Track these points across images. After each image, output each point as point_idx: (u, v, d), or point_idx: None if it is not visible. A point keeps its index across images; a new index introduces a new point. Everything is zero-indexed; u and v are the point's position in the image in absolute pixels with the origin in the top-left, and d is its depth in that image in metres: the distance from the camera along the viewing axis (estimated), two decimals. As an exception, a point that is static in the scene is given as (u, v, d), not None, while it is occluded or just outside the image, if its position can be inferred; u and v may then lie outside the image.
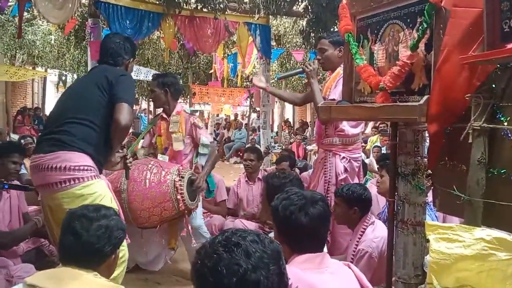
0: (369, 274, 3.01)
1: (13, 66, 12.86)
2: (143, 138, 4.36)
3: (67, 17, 5.70)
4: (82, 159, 2.66)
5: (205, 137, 3.99)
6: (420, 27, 2.03)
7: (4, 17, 9.44)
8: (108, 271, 1.90)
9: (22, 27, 11.75)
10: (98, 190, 2.68)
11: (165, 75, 4.19)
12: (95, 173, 2.71)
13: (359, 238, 3.16)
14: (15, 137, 7.94)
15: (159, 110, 4.30)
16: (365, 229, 3.16)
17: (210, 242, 1.19)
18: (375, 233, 3.10)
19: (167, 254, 4.18)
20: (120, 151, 3.18)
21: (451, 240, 1.53)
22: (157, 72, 6.83)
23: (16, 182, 3.76)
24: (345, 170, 3.57)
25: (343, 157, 3.58)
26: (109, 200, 2.72)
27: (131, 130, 10.12)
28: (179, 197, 3.49)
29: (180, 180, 3.52)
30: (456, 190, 1.91)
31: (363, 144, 9.97)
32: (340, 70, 3.47)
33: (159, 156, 3.96)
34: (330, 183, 3.58)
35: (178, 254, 4.42)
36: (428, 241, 1.70)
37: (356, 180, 3.66)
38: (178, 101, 4.19)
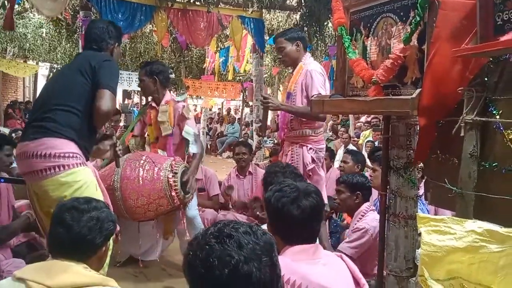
0: (361, 249, 3.16)
1: (3, 59, 12.75)
2: (133, 129, 4.29)
3: (61, 9, 5.63)
4: (66, 146, 2.62)
5: (189, 126, 3.86)
6: (413, 20, 2.04)
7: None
8: (98, 263, 1.89)
9: (13, 20, 11.70)
10: (83, 178, 2.65)
11: (153, 63, 4.09)
12: (81, 160, 2.68)
13: (358, 221, 3.30)
14: (5, 130, 7.86)
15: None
16: (365, 213, 3.32)
17: (203, 233, 1.18)
18: (375, 216, 3.18)
19: (161, 244, 4.16)
20: (109, 138, 3.13)
21: (443, 232, 1.54)
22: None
23: (5, 175, 3.74)
24: (313, 160, 3.62)
25: (310, 148, 3.63)
26: (94, 188, 2.69)
27: (122, 124, 10.04)
28: (173, 193, 3.46)
29: (173, 176, 3.48)
30: (448, 183, 1.92)
31: (355, 138, 10.04)
32: (301, 64, 3.66)
33: (159, 151, 3.92)
34: None
35: (170, 247, 4.42)
36: (419, 234, 1.71)
37: (322, 171, 3.73)
38: (168, 89, 4.07)
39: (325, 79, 3.60)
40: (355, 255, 3.14)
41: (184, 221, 3.84)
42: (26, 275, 1.67)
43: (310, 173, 3.60)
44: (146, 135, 4.12)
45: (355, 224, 3.31)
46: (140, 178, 3.46)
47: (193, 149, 3.83)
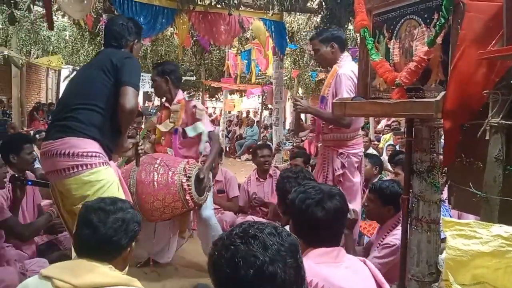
0: (390, 265, 2.99)
1: (28, 61, 12.99)
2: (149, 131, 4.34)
3: (88, 10, 5.69)
4: (90, 145, 2.65)
5: (202, 123, 3.86)
6: (438, 23, 2.01)
7: (20, 12, 9.51)
8: (123, 264, 1.91)
9: (38, 23, 11.92)
10: (106, 177, 2.67)
11: (164, 63, 4.13)
12: (104, 160, 2.70)
13: (388, 232, 3.15)
14: (30, 132, 8.02)
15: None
16: (396, 225, 3.13)
17: (228, 233, 1.19)
18: None
19: (176, 244, 4.19)
20: (132, 138, 3.17)
21: (468, 236, 1.51)
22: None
23: (31, 175, 3.83)
24: (343, 165, 3.53)
25: (341, 153, 3.54)
26: (116, 187, 2.71)
27: (143, 126, 10.13)
28: (188, 197, 3.50)
29: (187, 180, 3.50)
30: (473, 188, 1.90)
31: (375, 142, 9.97)
32: (336, 67, 3.54)
33: (168, 150, 3.93)
34: (327, 178, 3.56)
35: (185, 249, 4.45)
36: (443, 239, 1.69)
37: (357, 176, 3.62)
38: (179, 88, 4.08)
39: (356, 83, 3.52)
40: (383, 270, 3.03)
41: (196, 221, 3.86)
42: (53, 274, 1.70)
43: (340, 179, 3.51)
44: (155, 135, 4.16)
45: (384, 237, 3.17)
46: (155, 183, 3.50)
47: (201, 148, 3.87)
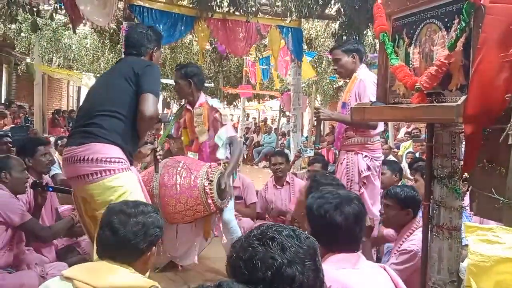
0: (408, 272, 2.93)
1: (50, 67, 13.19)
2: (170, 131, 4.34)
3: (111, 15, 5.76)
4: (112, 151, 2.68)
5: (223, 130, 3.85)
6: (459, 26, 1.99)
7: (42, 21, 9.69)
8: (144, 267, 1.92)
9: (59, 31, 12.13)
10: (128, 183, 2.70)
11: (187, 65, 4.10)
12: (126, 165, 2.72)
13: (406, 238, 3.11)
14: (51, 138, 8.13)
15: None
16: (414, 230, 3.10)
17: (246, 235, 1.19)
18: None
19: (198, 247, 4.18)
20: (150, 144, 3.19)
21: (491, 241, 1.48)
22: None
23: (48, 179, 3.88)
24: (368, 168, 3.60)
25: (365, 156, 3.63)
26: (138, 193, 2.72)
27: (162, 132, 10.23)
28: (209, 201, 3.50)
29: (209, 184, 3.51)
30: (495, 194, 1.86)
31: (395, 150, 9.87)
32: (355, 75, 3.69)
33: (189, 154, 3.95)
34: (353, 181, 3.60)
35: (209, 252, 4.45)
36: (464, 246, 1.65)
37: (377, 180, 3.69)
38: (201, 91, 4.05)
39: None
40: (402, 276, 2.97)
41: (220, 225, 3.87)
42: (74, 275, 1.72)
43: (365, 181, 3.59)
44: (181, 138, 4.14)
45: (402, 243, 3.12)
46: (178, 185, 3.51)
47: (220, 154, 3.85)
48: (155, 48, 3.14)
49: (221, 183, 3.62)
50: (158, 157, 3.08)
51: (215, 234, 4.08)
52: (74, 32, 5.76)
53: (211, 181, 3.54)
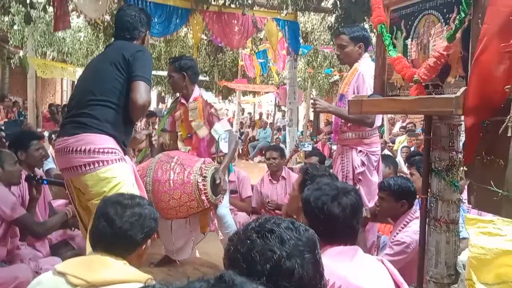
0: (402, 263, 2.93)
1: (44, 59, 13.06)
2: (165, 124, 4.30)
3: (104, 9, 5.69)
4: (105, 142, 2.64)
5: (219, 125, 3.80)
6: (458, 17, 1.97)
7: (35, 13, 9.59)
8: (138, 261, 1.89)
9: (53, 24, 12.04)
10: (121, 174, 2.66)
11: (181, 58, 4.00)
12: (119, 156, 2.69)
13: (400, 230, 3.11)
14: (45, 133, 8.06)
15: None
16: (408, 222, 3.10)
17: (244, 228, 1.16)
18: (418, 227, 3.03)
19: (194, 240, 4.17)
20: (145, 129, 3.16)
21: (492, 234, 1.47)
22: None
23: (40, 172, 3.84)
24: (362, 163, 3.51)
25: (360, 151, 3.52)
26: (130, 184, 2.69)
27: (157, 127, 10.19)
28: (203, 197, 3.47)
29: (203, 180, 3.47)
30: (494, 186, 1.84)
31: (390, 144, 9.88)
32: (357, 66, 3.51)
33: (182, 148, 3.91)
34: (347, 177, 3.54)
35: (205, 247, 4.43)
36: (462, 239, 1.64)
37: (375, 175, 3.60)
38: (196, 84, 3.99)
39: None
40: (395, 267, 2.98)
41: (215, 220, 3.85)
42: (67, 269, 1.69)
43: (360, 177, 3.50)
44: (178, 132, 4.08)
45: (396, 234, 3.12)
46: (171, 181, 3.48)
47: (223, 147, 3.82)
48: (147, 32, 3.08)
49: (216, 178, 3.58)
50: (154, 142, 3.04)
51: (211, 229, 4.06)
52: (54, 31, 5.66)
53: (205, 177, 3.50)
